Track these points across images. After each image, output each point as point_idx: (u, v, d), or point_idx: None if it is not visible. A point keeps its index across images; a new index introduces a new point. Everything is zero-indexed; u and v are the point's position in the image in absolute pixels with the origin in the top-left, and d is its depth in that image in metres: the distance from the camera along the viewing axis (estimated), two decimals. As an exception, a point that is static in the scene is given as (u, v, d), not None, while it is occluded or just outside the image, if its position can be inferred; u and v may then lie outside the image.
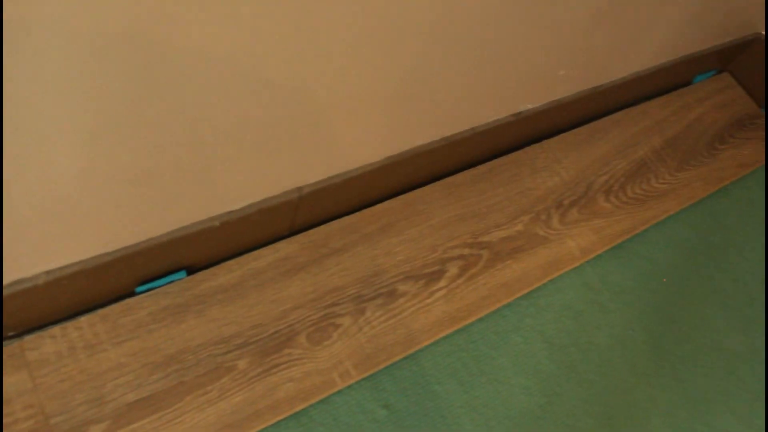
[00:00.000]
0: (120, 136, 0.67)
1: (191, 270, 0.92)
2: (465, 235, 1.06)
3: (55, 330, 0.85)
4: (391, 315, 0.95)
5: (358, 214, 1.02)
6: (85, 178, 0.70)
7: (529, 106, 1.13)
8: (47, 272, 0.80)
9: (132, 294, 0.89)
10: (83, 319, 0.86)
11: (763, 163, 1.39)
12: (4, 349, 0.83)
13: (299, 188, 0.91)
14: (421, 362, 0.95)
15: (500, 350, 1.00)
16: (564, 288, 1.08)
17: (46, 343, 0.84)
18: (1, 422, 0.78)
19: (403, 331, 0.95)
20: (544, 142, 1.23)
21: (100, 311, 0.87)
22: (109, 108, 0.63)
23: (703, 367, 1.08)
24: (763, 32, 1.48)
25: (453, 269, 1.02)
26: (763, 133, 1.44)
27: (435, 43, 0.84)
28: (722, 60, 1.49)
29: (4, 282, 0.77)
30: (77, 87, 0.60)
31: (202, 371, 0.85)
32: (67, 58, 0.57)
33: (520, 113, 1.12)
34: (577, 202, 1.17)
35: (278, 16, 0.65)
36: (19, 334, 0.85)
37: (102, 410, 0.81)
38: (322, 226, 0.99)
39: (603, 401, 0.99)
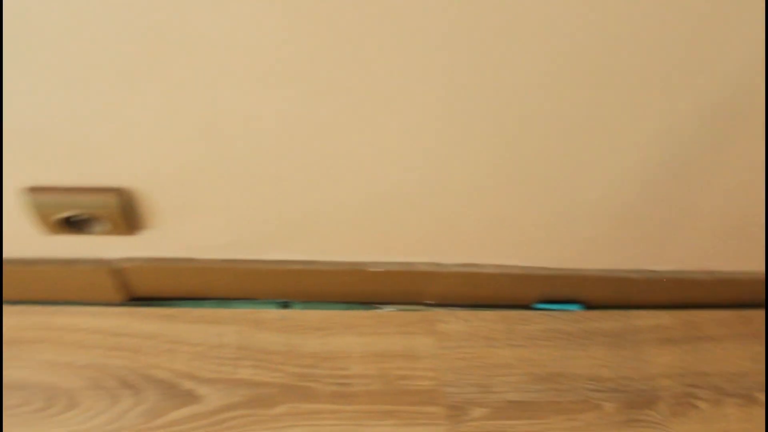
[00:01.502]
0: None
1: (587, 305, 1.01)
2: (827, 370, 1.07)
3: (465, 314, 0.97)
4: (746, 419, 0.98)
5: (734, 311, 1.06)
6: (586, 205, 0.81)
7: None
8: (477, 264, 0.92)
9: (529, 307, 0.99)
10: (487, 314, 0.97)
11: None
12: (420, 313, 0.96)
13: (712, 272, 0.97)
14: (757, 474, 0.97)
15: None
16: None
17: (454, 322, 0.96)
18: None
19: (753, 438, 0.98)
20: None
21: (502, 312, 0.98)
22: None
23: None
24: None
25: (809, 399, 1.03)
26: None
27: None
28: None
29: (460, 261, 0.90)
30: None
31: (573, 398, 0.93)
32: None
33: None
34: None
35: None
36: (433, 305, 0.98)
37: (486, 398, 0.91)
38: (701, 311, 1.04)
39: None
